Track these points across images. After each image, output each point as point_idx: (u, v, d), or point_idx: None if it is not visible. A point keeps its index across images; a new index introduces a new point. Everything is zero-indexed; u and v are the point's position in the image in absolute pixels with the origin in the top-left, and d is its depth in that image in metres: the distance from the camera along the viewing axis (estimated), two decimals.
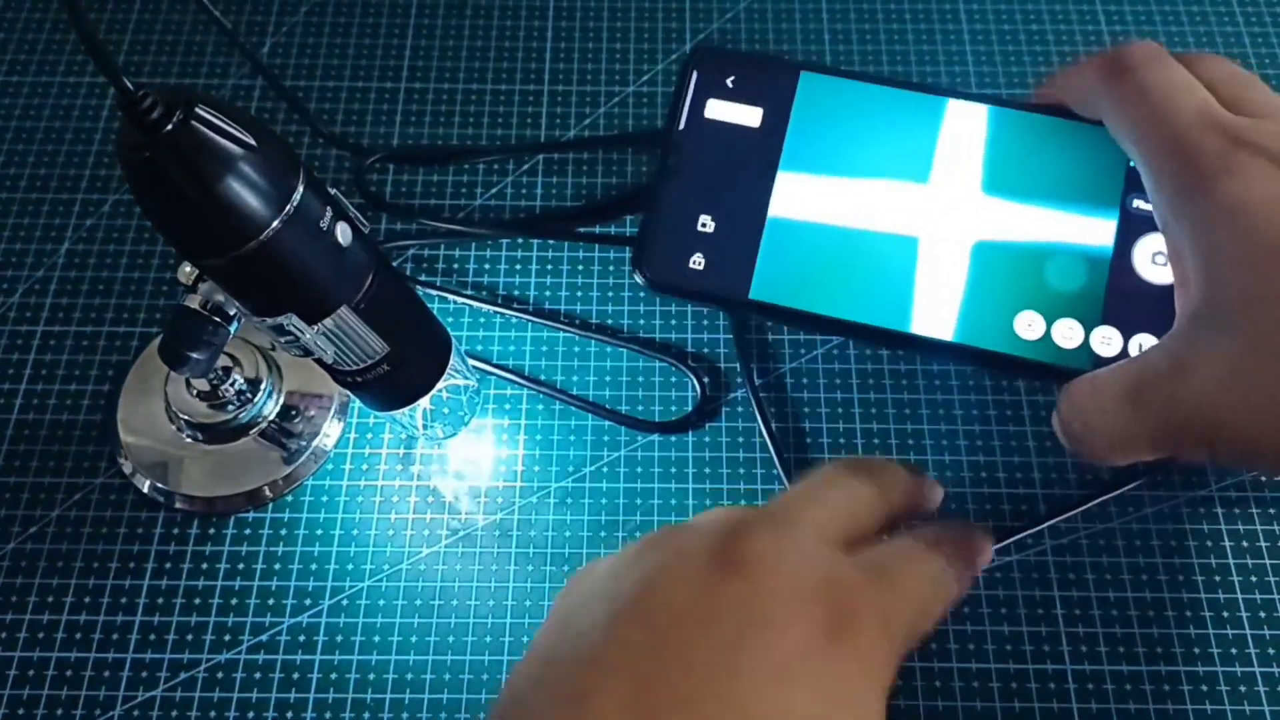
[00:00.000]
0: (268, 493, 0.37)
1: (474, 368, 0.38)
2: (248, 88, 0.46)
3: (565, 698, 0.23)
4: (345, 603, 0.36)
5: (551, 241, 0.42)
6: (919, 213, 0.33)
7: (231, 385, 0.37)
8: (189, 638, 0.35)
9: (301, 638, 0.35)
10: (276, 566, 0.36)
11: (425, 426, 0.36)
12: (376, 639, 0.35)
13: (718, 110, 0.34)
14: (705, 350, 0.40)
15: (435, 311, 0.34)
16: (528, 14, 0.48)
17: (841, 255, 0.33)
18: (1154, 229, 0.30)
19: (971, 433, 0.38)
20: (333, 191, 0.27)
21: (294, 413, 0.39)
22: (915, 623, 0.26)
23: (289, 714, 0.34)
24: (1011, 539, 0.37)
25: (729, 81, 0.35)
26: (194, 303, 0.31)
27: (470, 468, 0.38)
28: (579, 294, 0.41)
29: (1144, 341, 0.31)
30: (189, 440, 0.38)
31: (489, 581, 0.36)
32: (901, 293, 0.32)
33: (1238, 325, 0.27)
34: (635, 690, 0.23)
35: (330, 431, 0.39)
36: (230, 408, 0.37)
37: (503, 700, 0.25)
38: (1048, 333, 0.31)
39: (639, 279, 0.34)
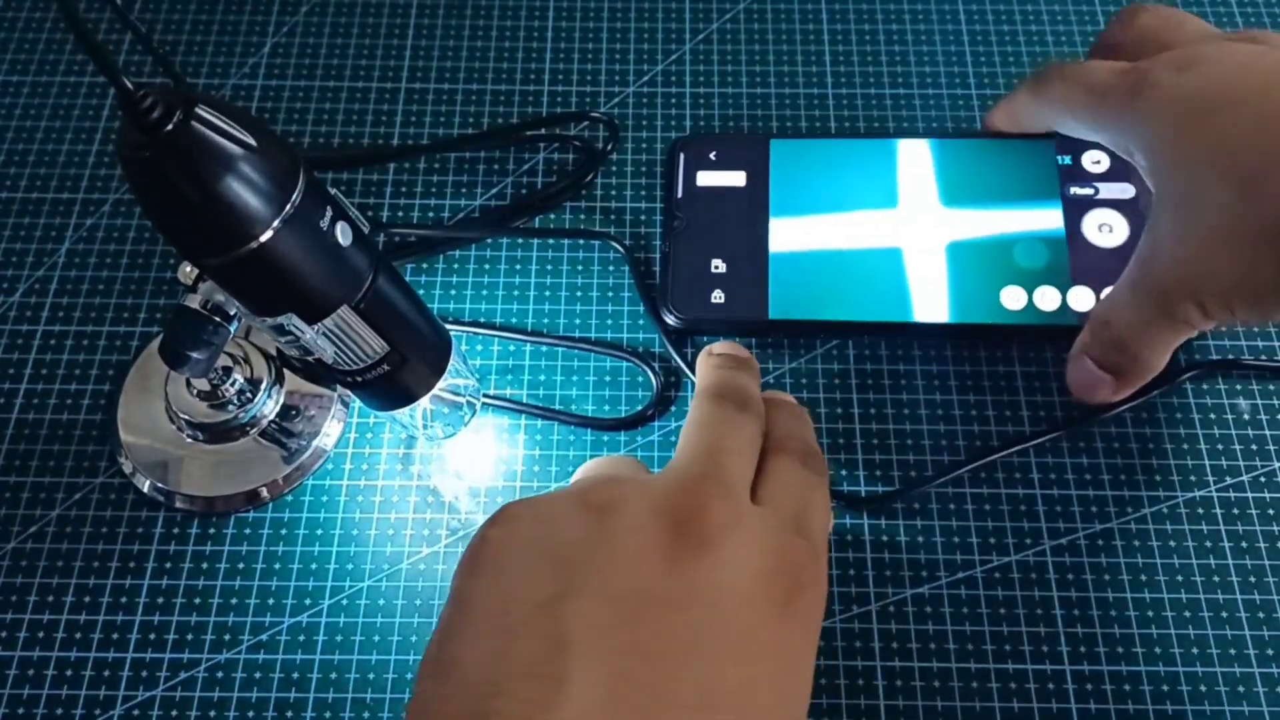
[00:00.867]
0: (267, 492, 0.37)
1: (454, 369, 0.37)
2: (248, 88, 0.46)
3: (539, 677, 0.23)
4: (345, 602, 0.36)
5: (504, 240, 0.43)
6: (896, 230, 0.40)
7: (231, 385, 0.37)
8: (189, 637, 0.35)
9: (301, 637, 0.35)
10: (276, 566, 0.37)
11: (425, 426, 0.36)
12: (376, 639, 0.35)
13: (707, 179, 0.42)
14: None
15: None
16: (528, 14, 0.48)
17: (841, 271, 0.39)
18: (1094, 208, 0.39)
19: (971, 433, 0.39)
20: (333, 191, 0.27)
21: (294, 412, 0.39)
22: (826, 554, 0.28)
23: (289, 714, 0.34)
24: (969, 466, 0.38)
25: (711, 156, 0.42)
26: (194, 302, 0.31)
27: (470, 468, 0.38)
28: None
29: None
30: (189, 440, 0.38)
31: None
32: (899, 292, 0.39)
33: (1181, 196, 0.32)
34: (612, 674, 0.23)
35: (330, 431, 0.39)
36: (230, 407, 0.37)
37: (454, 671, 0.23)
38: (1030, 301, 0.38)
39: (670, 320, 0.39)
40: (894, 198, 0.40)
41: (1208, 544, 0.36)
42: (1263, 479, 0.37)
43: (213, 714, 0.34)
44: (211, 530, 0.37)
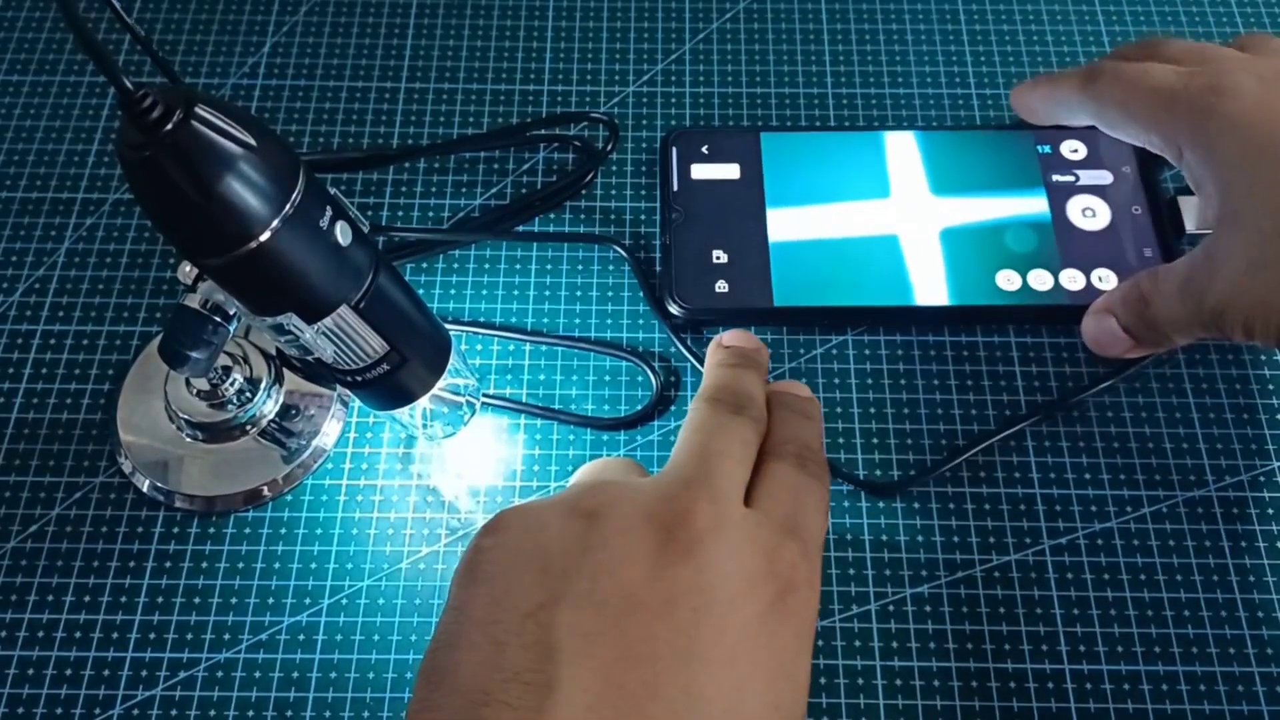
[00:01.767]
0: (267, 492, 0.37)
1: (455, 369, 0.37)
2: (248, 88, 0.46)
3: (528, 685, 0.23)
4: (345, 602, 0.36)
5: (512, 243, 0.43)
6: (891, 218, 0.41)
7: (231, 384, 0.37)
8: (188, 637, 0.35)
9: (301, 637, 0.35)
10: (276, 565, 0.37)
11: (425, 426, 0.36)
12: (376, 638, 0.35)
13: (702, 171, 0.42)
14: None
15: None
16: (528, 14, 0.48)
17: (841, 259, 0.40)
18: (1076, 193, 0.41)
19: (970, 433, 0.39)
20: (332, 191, 0.27)
21: (294, 412, 0.39)
22: (821, 556, 0.28)
23: (289, 713, 0.34)
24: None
25: (704, 149, 0.42)
26: (194, 302, 0.31)
27: (470, 467, 0.38)
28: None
29: (1103, 274, 0.40)
30: (189, 439, 0.38)
31: None
32: (899, 277, 0.40)
33: (1249, 220, 0.33)
34: (599, 680, 0.23)
35: (330, 431, 0.39)
36: (230, 407, 0.37)
37: (446, 678, 0.24)
38: (1025, 283, 0.40)
39: (675, 310, 0.39)
40: (886, 188, 0.41)
41: (1207, 544, 0.36)
42: (1262, 479, 0.38)
43: (212, 714, 0.34)
44: (211, 530, 0.37)
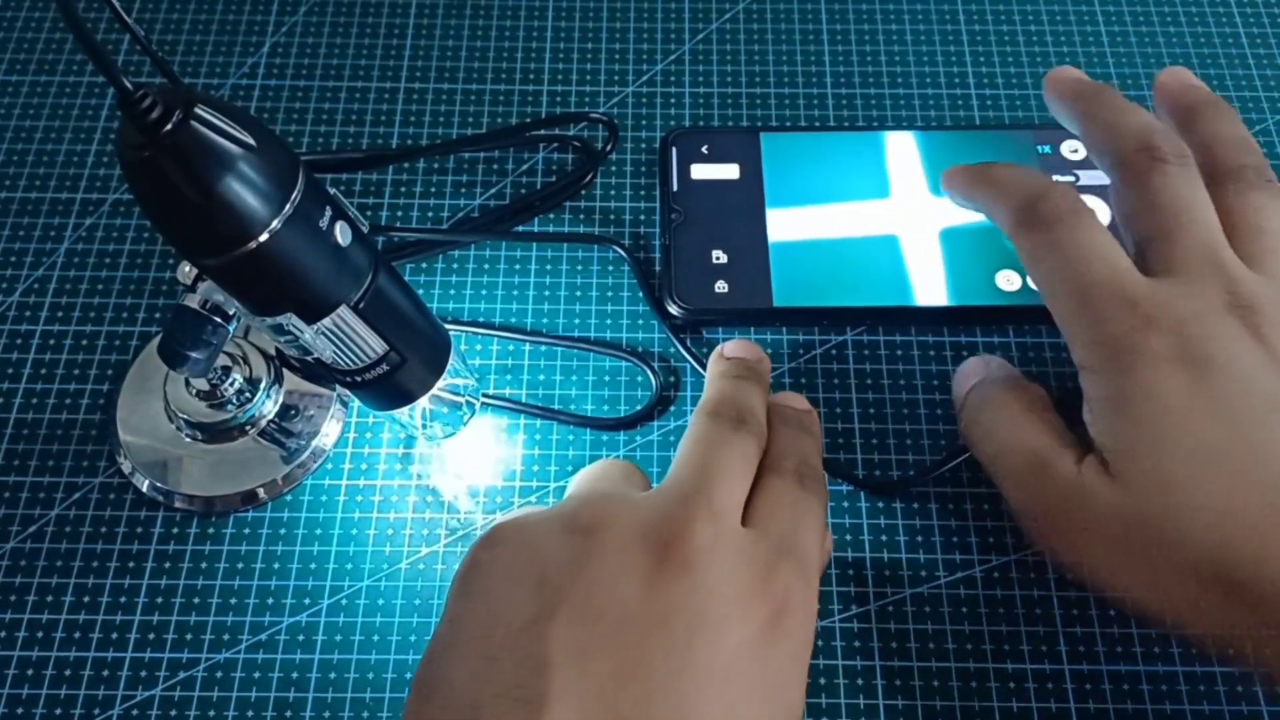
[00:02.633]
0: (266, 492, 0.37)
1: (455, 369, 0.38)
2: (247, 88, 0.46)
3: (519, 700, 0.23)
4: (344, 602, 0.36)
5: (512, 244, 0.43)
6: (891, 218, 0.41)
7: (230, 385, 0.37)
8: (188, 637, 0.35)
9: (301, 637, 0.35)
10: (276, 565, 0.37)
11: (424, 426, 0.36)
12: (376, 638, 0.35)
13: (701, 171, 0.42)
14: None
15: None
16: (527, 14, 0.48)
17: (841, 259, 0.40)
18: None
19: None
20: (332, 191, 0.27)
21: (293, 412, 0.39)
22: (818, 577, 0.28)
23: (288, 713, 0.34)
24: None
25: (704, 149, 0.43)
26: (193, 302, 0.31)
27: (469, 467, 0.38)
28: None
29: None
30: (188, 439, 0.38)
31: None
32: (899, 277, 0.40)
33: (1127, 491, 0.28)
34: (591, 697, 0.23)
35: (329, 431, 0.39)
36: (230, 407, 0.37)
37: (437, 691, 0.24)
38: (1025, 283, 0.40)
39: (675, 311, 0.39)
40: (885, 188, 0.42)
41: None
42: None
43: (212, 714, 0.34)
44: (210, 530, 0.37)
